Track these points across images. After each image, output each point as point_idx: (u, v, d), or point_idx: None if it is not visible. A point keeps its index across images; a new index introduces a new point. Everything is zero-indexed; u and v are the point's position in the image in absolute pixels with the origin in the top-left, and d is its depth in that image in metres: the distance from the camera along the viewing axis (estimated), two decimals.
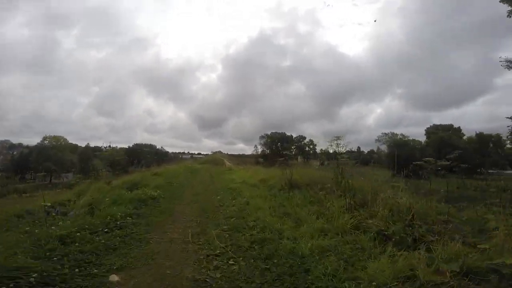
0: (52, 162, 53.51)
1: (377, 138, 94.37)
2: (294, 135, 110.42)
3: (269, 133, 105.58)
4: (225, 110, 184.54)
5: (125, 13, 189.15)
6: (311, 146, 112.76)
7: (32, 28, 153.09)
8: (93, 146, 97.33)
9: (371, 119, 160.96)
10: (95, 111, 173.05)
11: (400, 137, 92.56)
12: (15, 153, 63.06)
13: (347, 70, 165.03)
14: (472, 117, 68.85)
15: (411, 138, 60.09)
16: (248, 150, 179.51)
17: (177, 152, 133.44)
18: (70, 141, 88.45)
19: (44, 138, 59.18)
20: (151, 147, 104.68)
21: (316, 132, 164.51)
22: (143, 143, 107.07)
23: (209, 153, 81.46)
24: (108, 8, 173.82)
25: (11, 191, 29.49)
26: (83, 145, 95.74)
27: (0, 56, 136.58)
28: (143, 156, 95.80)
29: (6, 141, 71.13)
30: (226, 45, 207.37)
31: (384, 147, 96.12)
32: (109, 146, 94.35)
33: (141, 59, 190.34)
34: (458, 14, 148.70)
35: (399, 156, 50.01)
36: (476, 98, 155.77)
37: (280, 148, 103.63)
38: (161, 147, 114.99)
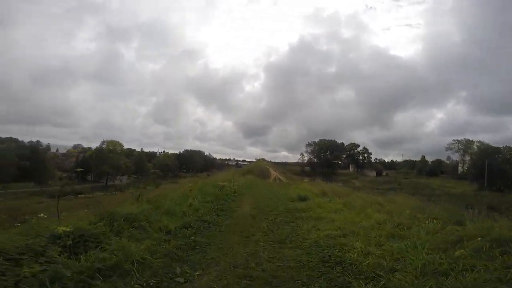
0: (109, 165, 57.49)
1: (447, 146, 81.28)
2: (345, 143, 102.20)
3: (317, 140, 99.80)
4: (268, 118, 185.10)
5: (173, 27, 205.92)
6: (365, 155, 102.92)
7: (98, 42, 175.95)
8: (149, 151, 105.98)
9: (432, 126, 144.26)
10: (152, 119, 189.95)
11: (478, 144, 78.09)
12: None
13: (399, 74, 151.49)
14: None
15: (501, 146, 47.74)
16: (291, 158, 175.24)
17: (223, 158, 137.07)
18: (132, 148, 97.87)
19: (103, 142, 64.40)
20: (199, 153, 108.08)
21: (367, 140, 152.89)
22: (193, 149, 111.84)
23: (253, 160, 79.98)
24: (158, 22, 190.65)
25: (70, 192, 31.45)
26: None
27: (71, 68, 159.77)
28: (192, 162, 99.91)
29: (78, 145, 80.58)
30: (267, 53, 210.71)
31: (456, 156, 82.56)
32: (164, 152, 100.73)
33: (191, 70, 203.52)
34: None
35: (489, 166, 40.83)
36: None
37: (329, 156, 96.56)
38: (209, 154, 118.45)
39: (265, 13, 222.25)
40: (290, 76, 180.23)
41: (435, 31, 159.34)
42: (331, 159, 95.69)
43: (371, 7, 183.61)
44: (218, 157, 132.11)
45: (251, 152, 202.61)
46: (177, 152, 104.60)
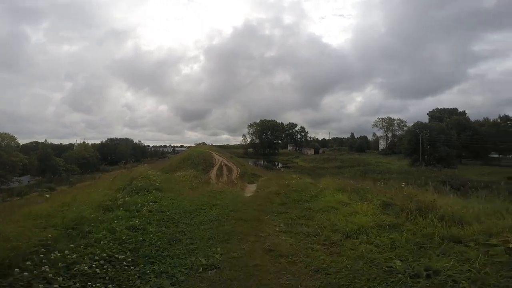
0: None
1: (373, 123, 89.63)
2: (284, 123, 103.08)
3: (258, 121, 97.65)
4: (208, 102, 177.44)
5: (99, 6, 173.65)
6: (303, 134, 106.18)
7: None
8: (60, 144, 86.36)
9: (353, 107, 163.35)
10: (69, 107, 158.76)
11: (398, 121, 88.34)
12: None
13: (330, 60, 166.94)
14: (447, 105, 67.98)
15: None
16: (233, 140, 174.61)
17: (158, 145, 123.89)
18: (49, 141, 77.09)
19: None
20: (127, 142, 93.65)
21: (300, 121, 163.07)
22: (119, 137, 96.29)
23: (192, 145, 72.43)
24: (80, 1, 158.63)
25: None
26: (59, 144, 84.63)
27: None
28: (118, 152, 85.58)
29: None
30: (210, 35, 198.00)
31: (379, 132, 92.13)
32: (81, 143, 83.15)
33: (119, 52, 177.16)
34: (437, 7, 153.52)
35: (422, 141, 44.43)
36: (452, 87, 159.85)
37: (270, 136, 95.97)
38: (139, 141, 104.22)
39: None
40: (233, 59, 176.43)
41: (364, 22, 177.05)
42: (272, 139, 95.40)
43: None
44: (152, 144, 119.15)
45: (190, 137, 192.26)
46: (98, 142, 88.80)
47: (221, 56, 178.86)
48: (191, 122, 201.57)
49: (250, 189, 12.47)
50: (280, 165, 67.36)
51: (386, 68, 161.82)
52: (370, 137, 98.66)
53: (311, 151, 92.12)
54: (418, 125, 47.37)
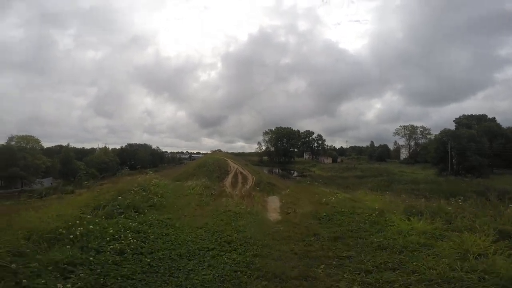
0: (20, 167, 44.63)
1: (395, 131, 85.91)
2: (300, 131, 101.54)
3: (273, 128, 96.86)
4: (225, 109, 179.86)
5: (120, 12, 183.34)
6: (320, 142, 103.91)
7: (27, 28, 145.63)
8: (82, 148, 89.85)
9: (371, 115, 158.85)
10: (93, 112, 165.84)
11: (421, 129, 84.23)
12: None
13: (346, 67, 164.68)
14: (473, 111, 63.54)
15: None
16: (248, 148, 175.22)
17: (175, 152, 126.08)
18: (72, 145, 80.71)
19: (10, 139, 50.18)
20: (145, 147, 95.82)
21: (316, 129, 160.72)
22: (138, 143, 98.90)
23: (209, 152, 72.78)
24: (102, 7, 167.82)
25: None
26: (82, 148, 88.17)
27: None
28: (137, 157, 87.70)
29: None
30: (226, 43, 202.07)
31: (402, 141, 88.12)
32: (103, 147, 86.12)
33: (140, 58, 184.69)
34: (455, 11, 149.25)
35: (448, 150, 41.56)
36: (476, 93, 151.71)
37: (286, 144, 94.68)
38: (157, 147, 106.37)
39: (226, 3, 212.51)
40: (248, 66, 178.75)
41: (381, 27, 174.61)
42: (288, 147, 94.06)
43: (326, 2, 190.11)
44: (169, 151, 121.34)
45: (207, 144, 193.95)
46: (118, 147, 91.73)
47: (237, 63, 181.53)
48: (208, 129, 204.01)
49: (273, 206, 9.64)
50: (295, 173, 65.90)
51: (405, 73, 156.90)
52: (390, 146, 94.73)
53: (329, 160, 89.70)
54: (446, 133, 44.45)
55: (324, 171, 62.18)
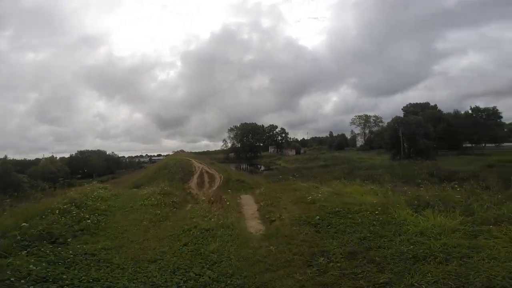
0: None
1: (351, 121, 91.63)
2: (265, 126, 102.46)
3: (238, 125, 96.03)
4: (186, 108, 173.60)
5: (68, 12, 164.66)
6: (283, 135, 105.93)
7: None
8: (24, 159, 79.34)
9: (329, 107, 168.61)
10: (34, 119, 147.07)
11: (374, 118, 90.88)
12: None
13: (306, 63, 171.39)
14: (416, 100, 72.32)
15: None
16: (213, 146, 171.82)
17: (133, 156, 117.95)
18: (11, 157, 69.63)
19: None
20: (99, 153, 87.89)
21: (279, 123, 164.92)
22: (91, 149, 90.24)
23: (170, 153, 69.13)
24: (48, 7, 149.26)
25: None
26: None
27: None
28: (89, 165, 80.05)
29: None
30: (187, 41, 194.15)
31: (358, 130, 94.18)
32: (49, 157, 77.00)
33: (90, 59, 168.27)
34: (403, 9, 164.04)
35: (400, 136, 45.18)
36: (418, 84, 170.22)
37: (252, 140, 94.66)
38: (112, 153, 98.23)
39: (186, 1, 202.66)
40: (211, 64, 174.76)
41: (337, 24, 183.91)
42: (254, 142, 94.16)
43: (288, 0, 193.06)
44: (127, 155, 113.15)
45: (168, 145, 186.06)
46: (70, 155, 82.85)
47: (198, 61, 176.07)
48: (168, 129, 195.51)
49: (250, 210, 8.04)
50: (262, 167, 66.17)
51: (358, 68, 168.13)
52: (347, 135, 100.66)
53: (293, 152, 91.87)
54: (397, 120, 48.46)
55: (289, 163, 63.42)
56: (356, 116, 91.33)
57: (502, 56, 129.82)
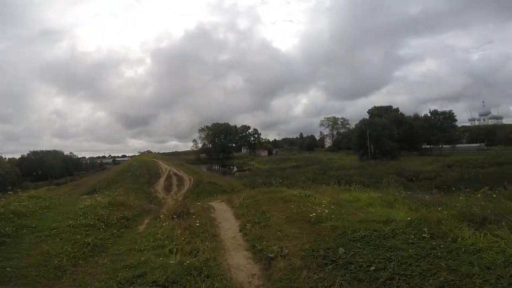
0: None
1: (320, 123, 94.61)
2: (238, 126, 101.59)
3: (210, 125, 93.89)
4: (154, 107, 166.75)
5: (31, 4, 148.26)
6: (256, 136, 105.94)
7: None
8: None
9: (299, 109, 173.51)
10: None
11: (341, 120, 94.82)
12: None
13: (279, 65, 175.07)
14: (379, 104, 78.26)
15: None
16: (182, 146, 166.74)
17: (95, 157, 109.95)
18: None
19: None
20: (55, 154, 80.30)
21: (252, 123, 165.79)
22: (46, 150, 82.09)
23: (136, 154, 65.24)
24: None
25: None
26: None
27: None
28: (44, 167, 72.78)
29: None
30: (158, 38, 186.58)
31: (326, 131, 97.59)
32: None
33: (48, 54, 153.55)
34: (372, 16, 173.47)
35: (367, 137, 47.32)
36: (381, 88, 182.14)
37: (224, 140, 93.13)
38: (71, 153, 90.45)
39: None
40: (183, 63, 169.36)
41: (311, 28, 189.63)
42: (226, 143, 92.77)
43: (265, 1, 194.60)
44: (88, 156, 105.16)
45: (133, 145, 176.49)
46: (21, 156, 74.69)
47: (170, 59, 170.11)
48: (135, 129, 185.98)
49: (230, 232, 5.57)
50: (235, 168, 65.29)
51: (328, 71, 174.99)
52: (317, 136, 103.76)
53: (265, 153, 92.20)
54: (364, 122, 50.93)
55: (262, 163, 63.39)
56: (325, 118, 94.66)
57: (456, 64, 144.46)
